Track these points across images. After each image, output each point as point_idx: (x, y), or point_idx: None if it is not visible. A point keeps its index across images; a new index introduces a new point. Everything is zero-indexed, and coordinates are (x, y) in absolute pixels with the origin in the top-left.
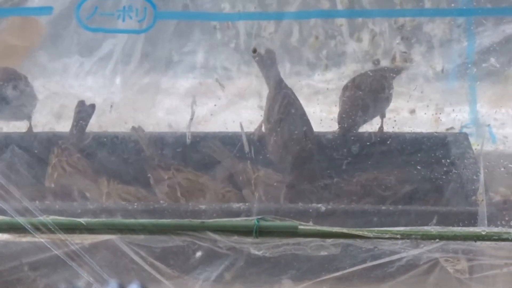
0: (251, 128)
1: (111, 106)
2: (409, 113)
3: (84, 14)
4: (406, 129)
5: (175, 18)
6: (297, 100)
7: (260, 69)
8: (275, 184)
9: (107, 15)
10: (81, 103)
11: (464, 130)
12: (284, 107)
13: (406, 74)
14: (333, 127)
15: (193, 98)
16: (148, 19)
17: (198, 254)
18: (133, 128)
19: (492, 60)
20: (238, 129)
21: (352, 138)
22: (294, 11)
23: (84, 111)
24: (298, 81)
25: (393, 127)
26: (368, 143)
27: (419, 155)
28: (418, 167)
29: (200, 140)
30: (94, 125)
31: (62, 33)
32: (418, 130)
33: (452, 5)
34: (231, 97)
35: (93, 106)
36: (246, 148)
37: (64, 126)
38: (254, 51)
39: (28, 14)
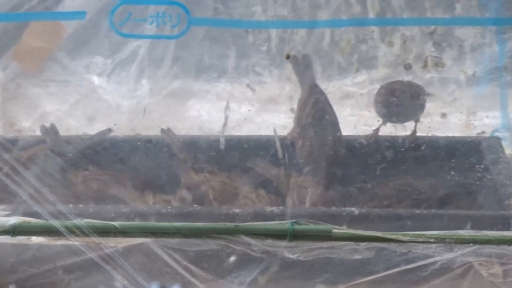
0: (284, 132)
1: (144, 110)
2: (441, 117)
3: (117, 19)
4: (438, 133)
5: (209, 24)
6: (330, 105)
7: (295, 73)
8: (309, 189)
9: (140, 21)
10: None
11: (496, 134)
12: (315, 112)
13: (438, 78)
14: (364, 131)
15: (226, 103)
16: (181, 25)
17: (232, 258)
18: (163, 130)
19: None
20: (270, 133)
21: (386, 143)
22: (326, 19)
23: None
24: (329, 85)
25: (428, 133)
26: (402, 148)
27: (452, 160)
28: (452, 172)
29: (234, 144)
30: (126, 129)
31: (92, 37)
32: (449, 134)
33: (487, 14)
34: (263, 101)
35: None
36: (280, 154)
37: (96, 129)
38: (288, 57)
39: (61, 18)
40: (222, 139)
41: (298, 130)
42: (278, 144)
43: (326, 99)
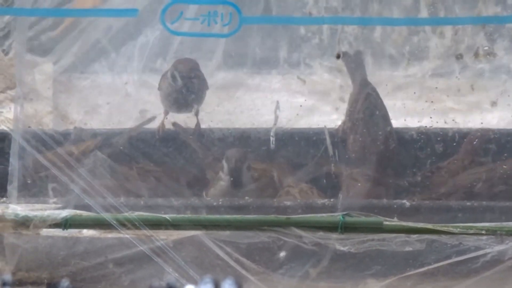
0: (334, 124)
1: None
2: (491, 106)
3: (169, 17)
4: (489, 123)
5: (260, 22)
6: (381, 101)
7: (347, 69)
8: (359, 184)
9: (192, 19)
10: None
11: None
12: (366, 107)
13: (489, 68)
14: (415, 122)
15: (277, 103)
16: (233, 23)
17: (282, 253)
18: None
19: None
20: (321, 124)
21: (438, 138)
22: (379, 16)
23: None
24: (381, 76)
25: (481, 123)
26: (451, 140)
27: (503, 151)
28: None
29: (286, 139)
30: (178, 122)
31: (142, 33)
32: (500, 124)
33: None
34: (314, 93)
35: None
36: (330, 151)
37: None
38: (338, 56)
39: (113, 15)
40: (272, 139)
41: (349, 125)
42: (328, 142)
43: (377, 95)
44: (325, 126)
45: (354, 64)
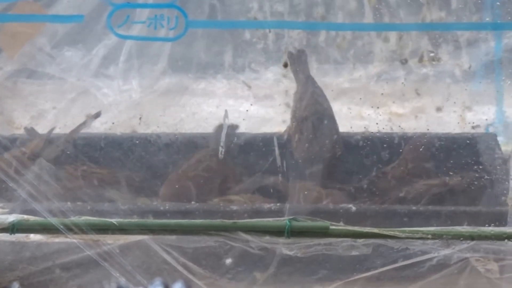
0: (281, 128)
1: (140, 118)
2: (436, 111)
3: (116, 21)
4: (434, 127)
5: (206, 26)
6: (325, 99)
7: (291, 68)
8: (305, 192)
9: (139, 23)
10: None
11: (491, 128)
12: (311, 105)
13: (434, 73)
14: (359, 127)
15: (225, 112)
16: (179, 27)
17: (229, 260)
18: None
19: None
20: (268, 129)
21: (384, 143)
22: (323, 21)
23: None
24: (325, 81)
25: (428, 128)
26: (397, 145)
27: (448, 156)
28: (449, 170)
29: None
30: (124, 127)
31: (88, 37)
32: (445, 128)
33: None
34: (260, 97)
35: (99, 114)
36: (279, 162)
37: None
38: (285, 65)
39: (59, 21)
40: (221, 149)
41: (295, 124)
42: (277, 152)
43: (322, 92)
44: (274, 136)
45: (297, 62)
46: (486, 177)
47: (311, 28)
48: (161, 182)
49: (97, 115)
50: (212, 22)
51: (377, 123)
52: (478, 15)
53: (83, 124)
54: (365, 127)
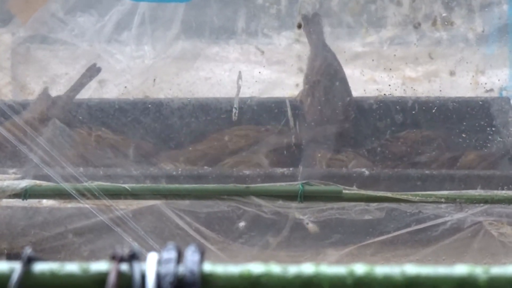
0: (295, 91)
1: (154, 80)
2: (449, 75)
3: None
4: (447, 91)
5: None
6: (339, 64)
7: (305, 31)
8: (319, 155)
9: None
10: (92, 66)
11: (504, 92)
12: (324, 69)
13: (447, 37)
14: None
15: (239, 73)
16: None
17: (242, 224)
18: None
19: None
20: (280, 94)
21: (397, 106)
22: None
23: (91, 73)
24: (338, 44)
25: (440, 91)
26: (411, 109)
27: (462, 120)
28: (462, 133)
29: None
30: (136, 92)
31: (102, 1)
32: (457, 93)
33: None
34: (273, 62)
35: (98, 70)
36: (291, 123)
37: (106, 92)
38: (299, 26)
39: None
40: (235, 111)
41: (307, 87)
42: (289, 114)
43: (335, 57)
44: (286, 99)
45: (312, 26)
46: (499, 140)
47: None
48: (174, 145)
49: (97, 70)
50: None
51: (389, 86)
52: None
53: (81, 79)
54: (377, 90)
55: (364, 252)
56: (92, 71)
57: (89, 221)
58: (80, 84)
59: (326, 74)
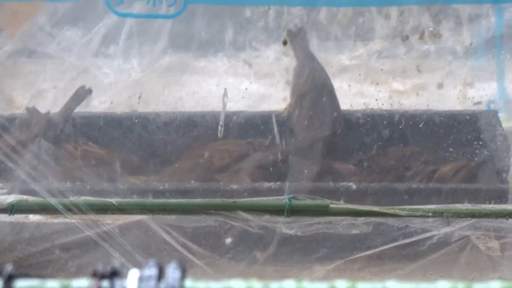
0: (283, 104)
1: (139, 97)
2: (437, 88)
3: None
4: (435, 104)
5: (205, 2)
6: (326, 74)
7: (291, 44)
8: (306, 171)
9: (138, 0)
10: (81, 88)
11: (492, 105)
12: (311, 80)
13: (435, 49)
14: (360, 104)
15: (224, 90)
16: (178, 4)
17: (228, 240)
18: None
19: None
20: (268, 107)
21: (384, 120)
22: None
23: (81, 95)
24: (326, 57)
25: (427, 105)
26: (399, 123)
27: (449, 134)
28: (449, 147)
29: (233, 124)
30: (123, 106)
31: (87, 16)
32: (445, 105)
33: None
34: (261, 76)
35: (88, 92)
36: (278, 140)
37: (93, 106)
38: (285, 43)
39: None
40: (220, 128)
41: (294, 99)
42: (276, 131)
43: (322, 68)
44: (273, 115)
45: (297, 39)
46: (486, 154)
47: (311, 3)
48: (161, 160)
49: (86, 92)
50: None
51: (376, 100)
52: None
53: (70, 103)
54: (364, 104)
55: (351, 267)
56: (81, 94)
57: (76, 236)
58: (69, 108)
59: (312, 86)
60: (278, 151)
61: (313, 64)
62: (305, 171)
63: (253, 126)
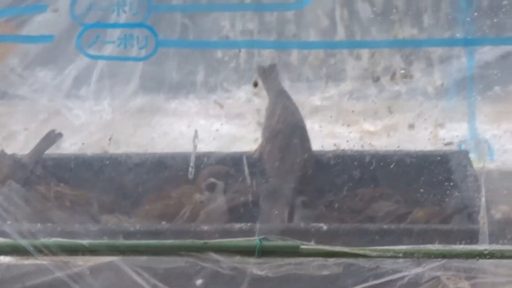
0: (255, 145)
1: (110, 139)
2: (408, 129)
3: (85, 41)
4: (407, 145)
5: (176, 46)
6: (298, 112)
7: (262, 82)
8: (276, 212)
9: (109, 43)
10: (51, 132)
11: (463, 146)
12: (283, 119)
13: (406, 90)
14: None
15: (195, 132)
16: (149, 46)
17: (199, 282)
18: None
19: (491, 75)
20: (239, 148)
21: (355, 162)
22: (294, 40)
23: (51, 139)
24: (298, 99)
25: (398, 146)
26: (369, 164)
27: (420, 175)
28: (420, 188)
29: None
30: (94, 147)
31: (59, 57)
32: (417, 146)
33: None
34: (232, 117)
35: (58, 136)
36: (248, 181)
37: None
38: (255, 84)
39: (29, 42)
40: (191, 170)
41: (266, 136)
42: (247, 172)
43: (294, 105)
44: (244, 156)
45: (269, 77)
46: (457, 194)
47: (282, 47)
48: (132, 202)
49: (56, 136)
50: (182, 41)
51: (347, 141)
52: (450, 31)
53: (39, 146)
54: (335, 145)
55: None
56: (51, 137)
57: (47, 277)
58: (38, 151)
59: (285, 124)
60: (249, 192)
61: (285, 103)
62: (276, 212)
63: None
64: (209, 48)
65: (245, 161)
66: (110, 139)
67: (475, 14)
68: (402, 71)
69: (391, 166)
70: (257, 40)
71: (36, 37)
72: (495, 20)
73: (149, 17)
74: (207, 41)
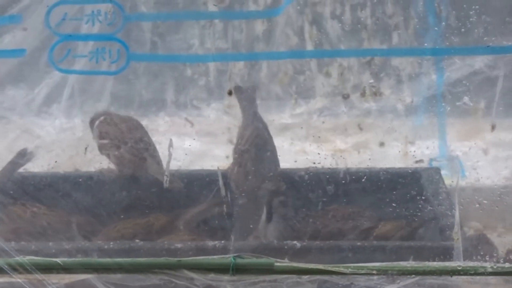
0: (225, 162)
1: (86, 148)
2: (379, 146)
3: (57, 55)
4: (377, 163)
5: (148, 60)
6: (268, 133)
7: (239, 101)
8: (249, 230)
9: (80, 57)
10: (23, 151)
11: (434, 163)
12: (253, 139)
13: (376, 107)
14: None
15: (170, 141)
16: (120, 60)
17: None
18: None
19: (461, 92)
20: (210, 166)
21: (327, 176)
22: (264, 51)
23: (23, 158)
24: (268, 116)
25: (368, 164)
26: (342, 181)
27: (393, 192)
28: (392, 203)
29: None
30: (67, 165)
31: (31, 73)
32: (387, 163)
33: (424, 44)
34: (203, 135)
35: (31, 155)
36: (223, 193)
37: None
38: (230, 93)
39: (0, 56)
40: (166, 178)
41: (235, 156)
42: (221, 183)
43: (266, 127)
44: (218, 167)
45: (246, 98)
46: (430, 211)
47: (251, 58)
48: (105, 219)
49: (29, 155)
50: (154, 55)
51: (319, 154)
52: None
53: (13, 162)
54: (307, 159)
55: None
56: (23, 157)
57: None
58: (9, 170)
59: (254, 144)
60: (222, 210)
61: (257, 123)
62: (249, 229)
63: (195, 183)
64: (179, 65)
65: (220, 175)
66: (85, 153)
67: (444, 30)
68: (372, 88)
69: (363, 182)
70: (226, 53)
71: (7, 51)
72: (463, 32)
73: (124, 27)
74: (179, 55)
